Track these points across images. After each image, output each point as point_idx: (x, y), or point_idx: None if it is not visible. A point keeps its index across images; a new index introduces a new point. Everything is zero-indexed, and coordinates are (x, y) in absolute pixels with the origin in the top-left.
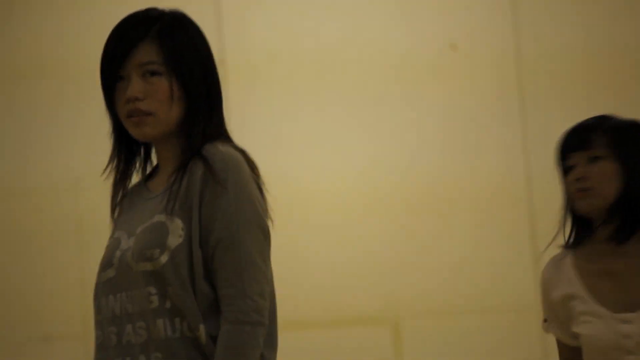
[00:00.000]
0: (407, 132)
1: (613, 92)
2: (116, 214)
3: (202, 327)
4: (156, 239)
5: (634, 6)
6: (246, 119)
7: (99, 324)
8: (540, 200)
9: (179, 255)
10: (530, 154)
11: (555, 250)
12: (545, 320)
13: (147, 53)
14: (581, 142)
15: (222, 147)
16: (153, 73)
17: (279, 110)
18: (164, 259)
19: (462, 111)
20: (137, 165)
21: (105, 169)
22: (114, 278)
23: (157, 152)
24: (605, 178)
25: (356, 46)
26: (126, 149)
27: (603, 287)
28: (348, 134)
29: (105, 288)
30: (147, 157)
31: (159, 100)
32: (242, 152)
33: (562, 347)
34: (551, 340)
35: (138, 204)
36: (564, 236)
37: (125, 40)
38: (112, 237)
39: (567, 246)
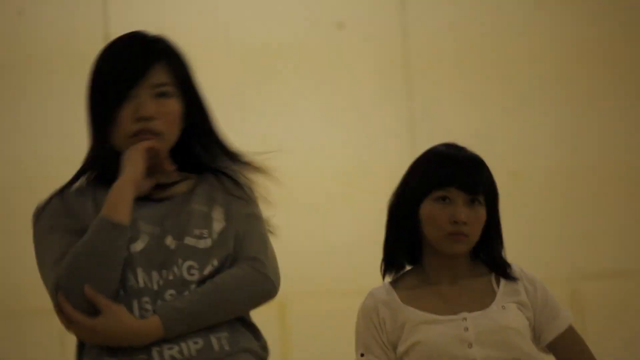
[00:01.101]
0: (289, 113)
1: (498, 71)
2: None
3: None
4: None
5: None
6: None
7: None
8: None
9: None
10: (415, 135)
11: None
12: (362, 355)
13: (160, 75)
14: (466, 182)
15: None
16: (164, 94)
17: None
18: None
19: (347, 91)
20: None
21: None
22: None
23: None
24: (480, 227)
25: (239, 27)
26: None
27: (432, 303)
28: (231, 116)
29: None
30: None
31: (169, 121)
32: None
33: None
34: None
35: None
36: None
37: (139, 61)
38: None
39: (391, 279)
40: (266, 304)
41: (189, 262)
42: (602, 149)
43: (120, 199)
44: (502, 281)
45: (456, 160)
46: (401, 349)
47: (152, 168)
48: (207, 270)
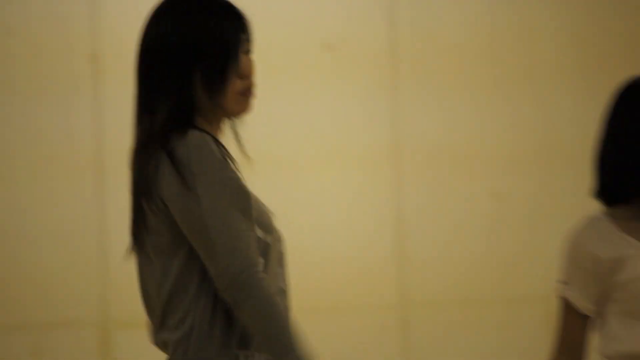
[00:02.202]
0: (277, 134)
1: (489, 92)
2: None
3: None
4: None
5: (511, 5)
6: (121, 113)
7: None
8: (408, 208)
9: None
10: (402, 156)
11: None
12: (564, 283)
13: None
14: None
15: None
16: (249, 51)
17: None
18: None
19: (335, 110)
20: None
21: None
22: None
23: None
24: None
25: None
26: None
27: None
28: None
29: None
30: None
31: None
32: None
33: (571, 315)
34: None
35: None
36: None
37: (247, 21)
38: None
39: (603, 202)
40: None
41: None
42: None
43: None
44: None
45: None
46: (617, 279)
47: None
48: None
